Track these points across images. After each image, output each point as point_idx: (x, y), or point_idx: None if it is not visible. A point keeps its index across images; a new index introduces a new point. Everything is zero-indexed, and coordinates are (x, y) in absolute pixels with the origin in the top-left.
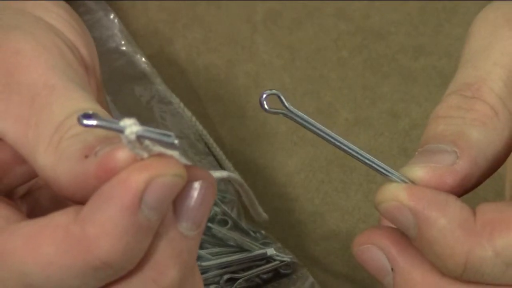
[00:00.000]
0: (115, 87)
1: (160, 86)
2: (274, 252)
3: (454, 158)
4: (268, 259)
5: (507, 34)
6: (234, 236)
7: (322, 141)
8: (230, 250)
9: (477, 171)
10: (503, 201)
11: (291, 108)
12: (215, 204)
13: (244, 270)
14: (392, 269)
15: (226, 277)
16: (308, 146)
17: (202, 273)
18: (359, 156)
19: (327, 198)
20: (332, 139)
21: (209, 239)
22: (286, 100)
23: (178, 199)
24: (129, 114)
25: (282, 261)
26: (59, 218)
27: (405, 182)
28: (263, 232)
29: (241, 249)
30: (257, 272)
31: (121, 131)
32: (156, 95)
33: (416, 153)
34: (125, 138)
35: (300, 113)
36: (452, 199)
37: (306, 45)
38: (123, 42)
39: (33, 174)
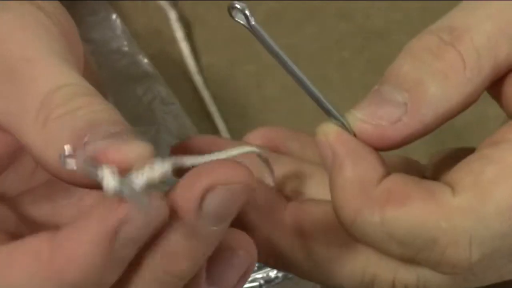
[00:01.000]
0: (117, 87)
1: (162, 87)
2: None
3: (401, 112)
4: None
5: None
6: None
7: None
8: None
9: (422, 129)
10: (418, 177)
11: (255, 25)
12: None
13: None
14: None
15: None
16: None
17: None
18: (311, 92)
19: None
20: (288, 68)
21: None
22: (251, 16)
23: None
24: (130, 115)
25: None
26: (32, 243)
27: (345, 126)
28: None
29: None
30: (259, 273)
31: (99, 182)
32: (158, 96)
33: (374, 88)
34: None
35: (263, 33)
36: (372, 157)
37: (307, 46)
38: (125, 43)
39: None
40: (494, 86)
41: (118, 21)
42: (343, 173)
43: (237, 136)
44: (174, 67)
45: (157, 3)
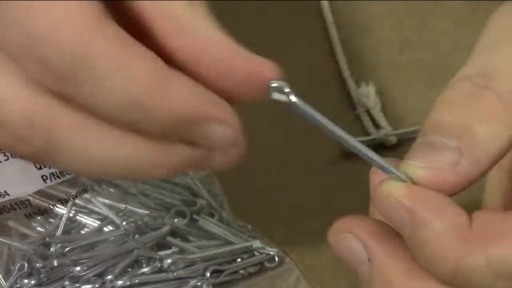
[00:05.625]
0: None
1: None
2: (260, 245)
3: (457, 156)
4: (253, 252)
5: None
6: (220, 229)
7: None
8: (216, 243)
9: (479, 170)
10: (497, 210)
11: (298, 100)
12: (201, 197)
13: (229, 262)
14: (369, 259)
15: (211, 269)
16: None
17: (188, 266)
18: (362, 152)
19: None
20: (337, 135)
21: (195, 231)
22: (292, 93)
23: None
24: None
25: (267, 254)
26: None
27: (405, 180)
28: (249, 225)
29: (227, 242)
30: (242, 265)
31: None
32: None
33: (418, 140)
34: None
35: (306, 107)
36: (450, 202)
37: None
38: None
39: None
40: None
41: None
42: (431, 227)
43: None
44: None
45: None
